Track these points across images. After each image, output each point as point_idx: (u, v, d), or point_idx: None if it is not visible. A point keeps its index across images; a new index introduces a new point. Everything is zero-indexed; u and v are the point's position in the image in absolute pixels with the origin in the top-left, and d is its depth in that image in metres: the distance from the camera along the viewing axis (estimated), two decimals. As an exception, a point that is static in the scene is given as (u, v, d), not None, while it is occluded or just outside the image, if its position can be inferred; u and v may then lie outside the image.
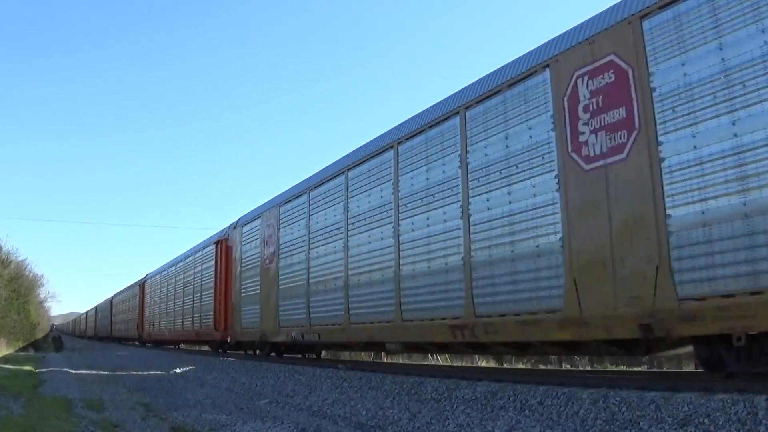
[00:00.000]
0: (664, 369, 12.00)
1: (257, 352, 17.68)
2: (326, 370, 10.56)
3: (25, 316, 43.84)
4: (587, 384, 6.24)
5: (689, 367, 12.36)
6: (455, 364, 14.14)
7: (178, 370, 16.09)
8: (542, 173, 7.03)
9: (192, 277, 22.25)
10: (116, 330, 43.97)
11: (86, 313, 77.50)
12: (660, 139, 5.76)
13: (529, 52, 7.64)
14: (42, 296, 59.97)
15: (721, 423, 4.49)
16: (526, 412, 6.01)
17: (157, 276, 29.86)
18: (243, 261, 16.37)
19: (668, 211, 5.62)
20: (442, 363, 14.66)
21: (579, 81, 6.69)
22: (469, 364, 14.28)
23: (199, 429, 7.11)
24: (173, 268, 26.12)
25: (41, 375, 16.11)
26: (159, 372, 16.70)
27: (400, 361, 15.68)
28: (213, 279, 19.07)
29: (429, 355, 15.14)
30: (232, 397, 10.47)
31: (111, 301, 47.72)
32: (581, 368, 10.67)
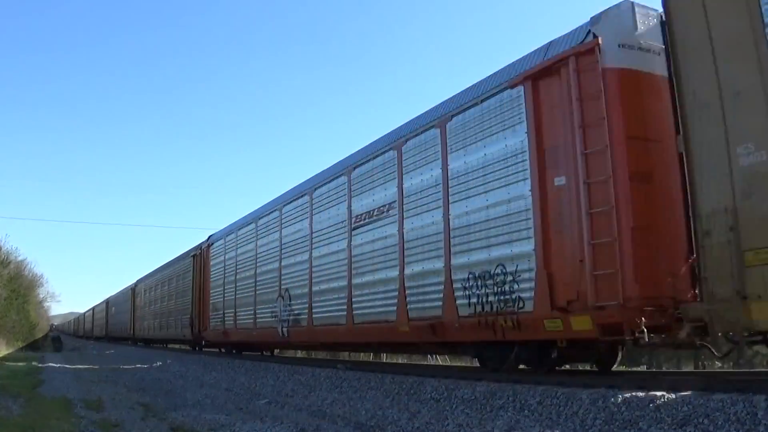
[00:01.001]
0: (664, 369, 12.00)
1: None
2: (325, 370, 10.56)
3: (24, 316, 43.82)
4: (586, 384, 6.24)
5: (689, 367, 12.38)
6: (454, 364, 14.14)
7: None
8: None
9: (418, 196, 9.40)
10: (142, 328, 33.45)
11: (93, 308, 66.26)
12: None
13: None
14: (41, 296, 59.93)
15: (720, 423, 4.48)
16: (526, 412, 6.01)
17: (242, 230, 17.71)
18: None
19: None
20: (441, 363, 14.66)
21: None
22: (468, 364, 14.28)
23: (199, 429, 7.10)
24: (300, 200, 13.69)
25: (41, 375, 16.11)
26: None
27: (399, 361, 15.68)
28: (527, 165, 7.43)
29: (428, 355, 14.41)
30: (231, 397, 10.45)
31: (133, 289, 36.76)
32: (580, 368, 10.65)
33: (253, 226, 16.67)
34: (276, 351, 19.86)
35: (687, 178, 5.82)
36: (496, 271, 7.81)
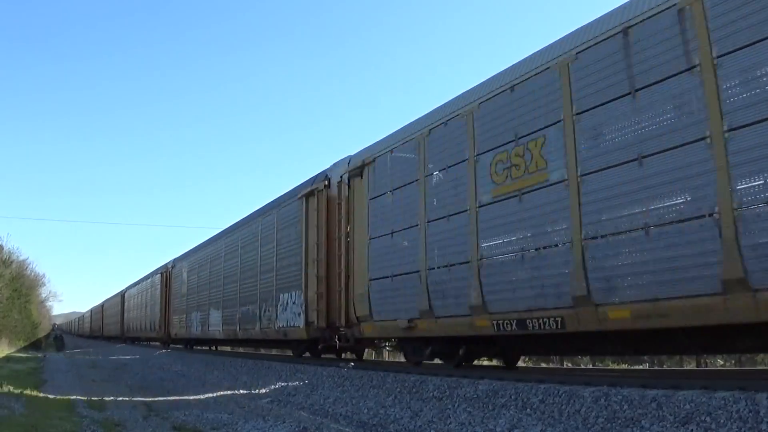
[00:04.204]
0: (665, 367, 11.99)
1: None
2: (328, 369, 10.56)
3: (26, 316, 43.83)
4: (589, 382, 6.24)
5: (690, 366, 12.37)
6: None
7: None
8: None
9: None
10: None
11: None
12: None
13: None
14: (43, 295, 60.00)
15: (722, 421, 4.48)
16: (528, 410, 6.01)
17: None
18: None
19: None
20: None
21: None
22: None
23: (201, 428, 7.11)
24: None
25: (43, 374, 16.12)
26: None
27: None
28: None
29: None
30: (233, 395, 10.46)
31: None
32: (582, 366, 10.66)
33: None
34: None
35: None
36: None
